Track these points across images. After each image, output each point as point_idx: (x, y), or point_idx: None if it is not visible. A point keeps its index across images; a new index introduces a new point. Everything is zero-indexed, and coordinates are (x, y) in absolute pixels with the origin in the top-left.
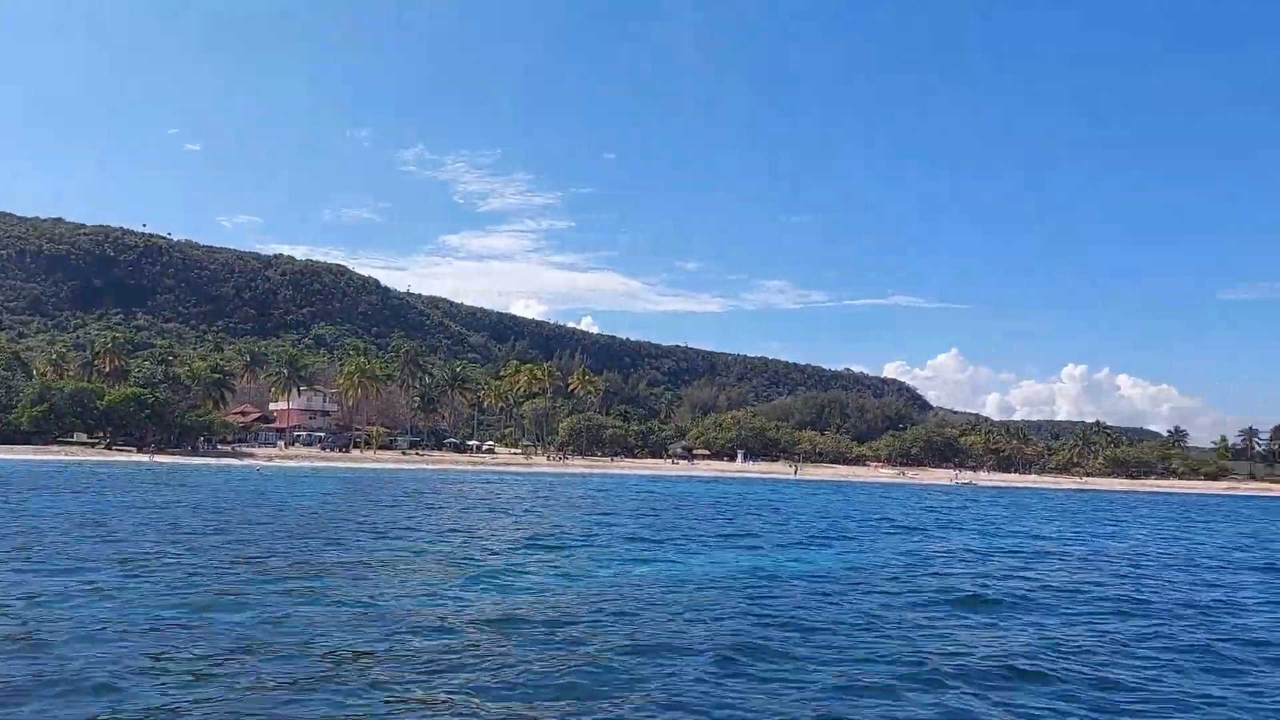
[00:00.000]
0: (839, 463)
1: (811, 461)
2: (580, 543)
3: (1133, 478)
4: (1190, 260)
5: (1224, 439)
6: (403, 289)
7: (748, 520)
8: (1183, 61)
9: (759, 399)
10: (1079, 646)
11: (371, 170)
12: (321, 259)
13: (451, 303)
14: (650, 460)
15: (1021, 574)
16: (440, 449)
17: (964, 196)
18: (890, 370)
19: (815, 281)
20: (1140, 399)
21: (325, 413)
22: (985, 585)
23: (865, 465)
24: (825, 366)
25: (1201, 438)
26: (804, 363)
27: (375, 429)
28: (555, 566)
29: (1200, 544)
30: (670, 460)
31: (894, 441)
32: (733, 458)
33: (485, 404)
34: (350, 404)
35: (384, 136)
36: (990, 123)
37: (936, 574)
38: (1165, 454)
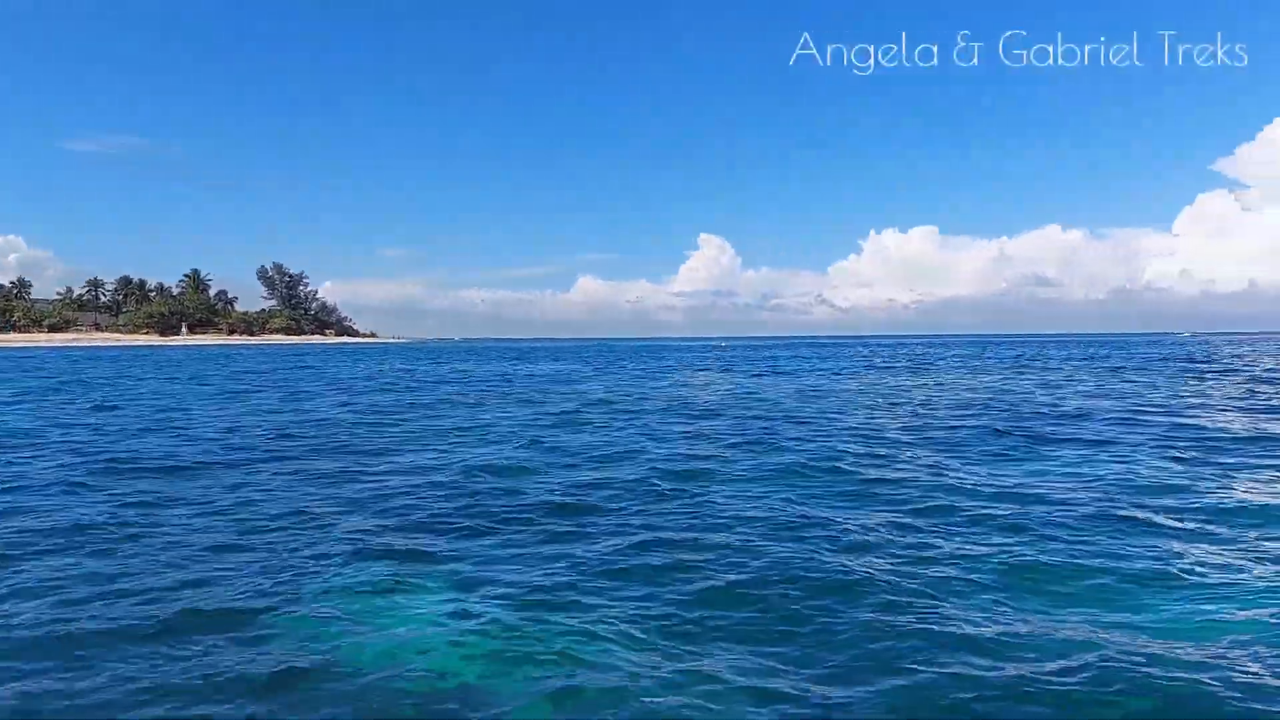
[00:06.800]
0: None
1: None
2: None
3: None
4: (30, 108)
5: (70, 290)
6: None
7: None
8: None
9: None
10: None
11: None
12: None
13: None
14: None
15: None
16: None
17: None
18: None
19: None
20: None
21: None
22: None
23: None
24: None
25: (49, 290)
26: None
27: None
28: None
29: None
30: None
31: None
32: None
33: None
34: None
35: None
36: None
37: None
38: (7, 306)
